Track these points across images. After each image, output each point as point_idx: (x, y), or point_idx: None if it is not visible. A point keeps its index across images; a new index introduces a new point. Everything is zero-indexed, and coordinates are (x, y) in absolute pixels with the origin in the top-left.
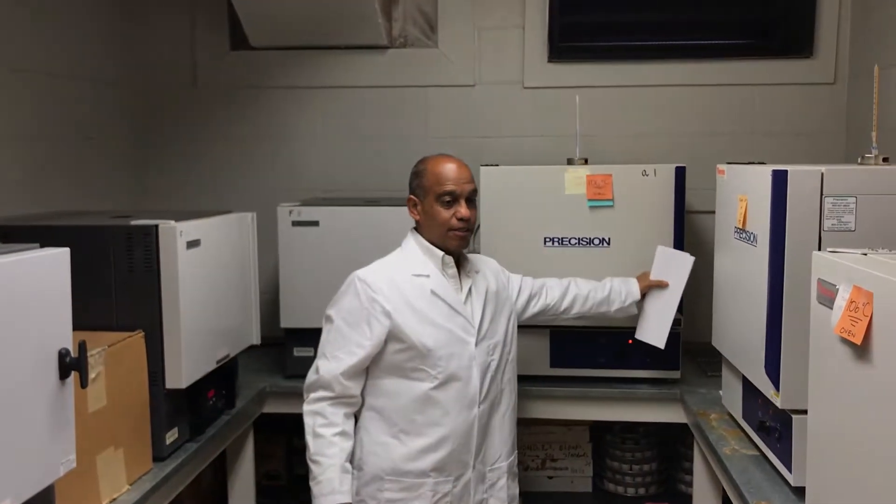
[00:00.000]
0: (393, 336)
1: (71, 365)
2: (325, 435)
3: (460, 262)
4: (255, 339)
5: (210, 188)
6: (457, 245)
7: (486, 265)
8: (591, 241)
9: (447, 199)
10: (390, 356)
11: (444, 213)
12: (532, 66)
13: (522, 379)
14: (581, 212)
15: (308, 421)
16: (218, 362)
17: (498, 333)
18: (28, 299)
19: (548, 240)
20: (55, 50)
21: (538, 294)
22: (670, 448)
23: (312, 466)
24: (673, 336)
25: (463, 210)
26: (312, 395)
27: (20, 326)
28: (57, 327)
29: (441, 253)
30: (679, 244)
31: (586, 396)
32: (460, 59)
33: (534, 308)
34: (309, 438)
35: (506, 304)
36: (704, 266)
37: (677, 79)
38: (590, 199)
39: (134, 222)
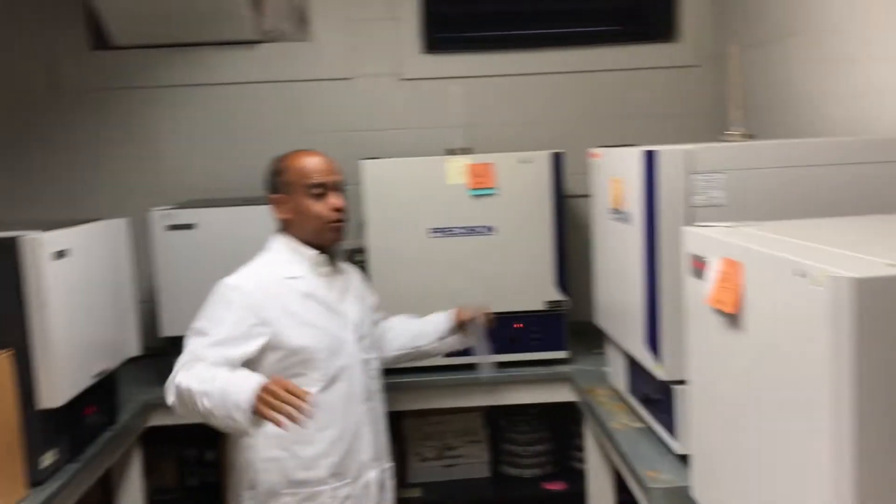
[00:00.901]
0: (272, 346)
1: None
2: (204, 374)
3: (331, 261)
4: (135, 350)
5: (78, 196)
6: (334, 238)
7: (351, 268)
8: (475, 230)
9: (318, 190)
10: (271, 366)
11: (318, 206)
12: (408, 58)
13: (416, 370)
14: (464, 201)
15: (180, 387)
16: (95, 377)
17: (373, 333)
18: None
19: (433, 230)
20: None
21: (383, 319)
22: (563, 427)
23: (207, 401)
24: (558, 317)
25: (336, 200)
26: (176, 370)
27: None
28: None
29: (312, 252)
30: (560, 228)
31: (479, 382)
32: (335, 52)
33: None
34: (192, 393)
35: (370, 309)
36: (585, 248)
37: (552, 66)
38: (472, 188)
39: None
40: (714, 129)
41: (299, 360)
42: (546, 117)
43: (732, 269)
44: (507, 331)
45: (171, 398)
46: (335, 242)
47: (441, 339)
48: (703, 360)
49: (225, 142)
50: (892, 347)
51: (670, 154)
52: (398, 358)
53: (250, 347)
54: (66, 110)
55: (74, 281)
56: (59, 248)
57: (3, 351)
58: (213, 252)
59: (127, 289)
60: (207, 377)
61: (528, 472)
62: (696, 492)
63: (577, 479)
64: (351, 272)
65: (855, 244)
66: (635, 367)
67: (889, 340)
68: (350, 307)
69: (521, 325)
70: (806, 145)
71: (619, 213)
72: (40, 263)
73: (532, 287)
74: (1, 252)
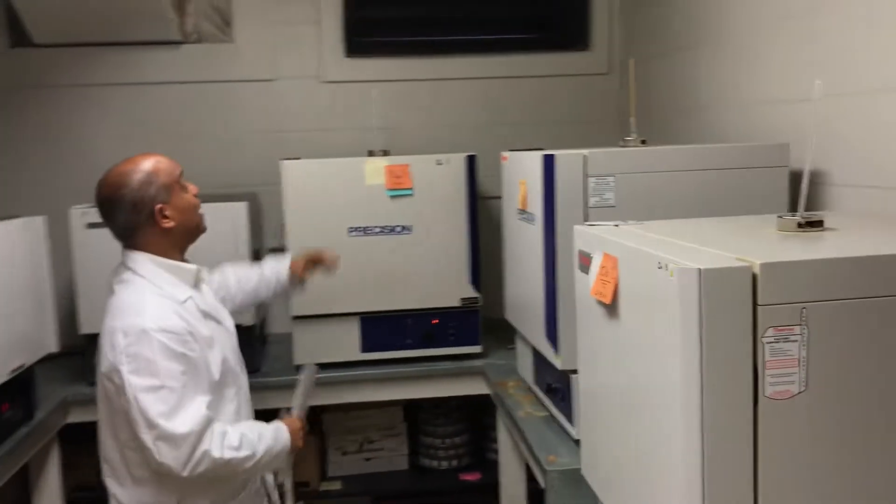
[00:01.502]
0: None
1: None
2: (233, 440)
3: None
4: (54, 347)
5: None
6: (201, 232)
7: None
8: (393, 229)
9: (181, 183)
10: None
11: (189, 196)
12: (330, 61)
13: (335, 366)
14: (383, 201)
15: (218, 461)
16: (11, 373)
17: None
18: None
19: (352, 229)
20: None
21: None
22: (478, 419)
23: (251, 463)
24: (472, 313)
25: (191, 185)
26: (194, 452)
27: None
28: None
29: (195, 267)
30: (473, 227)
31: (397, 377)
32: (257, 53)
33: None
34: (233, 463)
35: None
36: (499, 247)
37: (468, 72)
38: (389, 189)
39: None
40: (621, 134)
41: (219, 384)
42: (463, 121)
43: (610, 263)
44: (424, 326)
45: (196, 470)
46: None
47: (280, 285)
48: (588, 349)
49: (149, 140)
50: (731, 328)
51: (567, 158)
52: (236, 308)
53: (208, 376)
54: None
55: None
56: None
57: None
58: None
59: (45, 286)
60: (237, 442)
61: (445, 464)
62: (585, 472)
63: (492, 469)
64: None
65: (714, 241)
66: (539, 359)
67: (728, 323)
68: (224, 313)
69: (437, 321)
70: (689, 151)
71: (524, 214)
72: None
73: (447, 284)
74: None
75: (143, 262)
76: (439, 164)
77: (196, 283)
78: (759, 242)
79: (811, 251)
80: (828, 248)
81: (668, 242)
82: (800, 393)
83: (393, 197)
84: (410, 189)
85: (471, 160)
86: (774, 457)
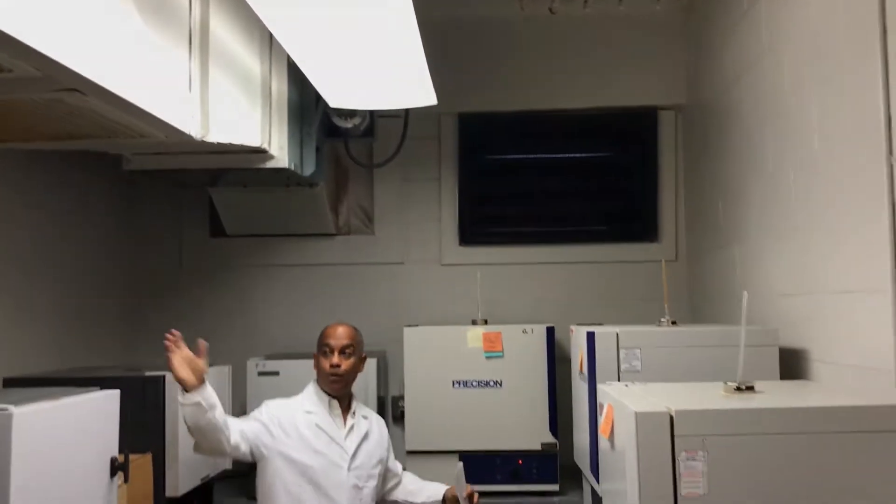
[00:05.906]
0: (282, 455)
1: (118, 467)
2: None
3: (349, 407)
4: (228, 465)
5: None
6: (333, 388)
7: (375, 418)
8: (487, 383)
9: (326, 349)
10: (280, 470)
11: (323, 361)
12: (447, 249)
13: None
14: (479, 360)
15: None
16: (202, 480)
17: (368, 466)
18: (92, 422)
19: (455, 382)
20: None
21: (391, 470)
22: None
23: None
24: (551, 456)
25: (334, 359)
26: None
27: (89, 441)
28: (110, 443)
29: (328, 398)
30: (552, 384)
31: None
32: (392, 243)
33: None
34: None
35: (378, 451)
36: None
37: (555, 258)
38: (485, 352)
39: (147, 373)
40: (689, 311)
41: (300, 471)
42: (549, 297)
43: (610, 410)
44: (511, 465)
45: None
46: (335, 391)
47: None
48: (605, 470)
49: (306, 308)
50: (658, 450)
51: (604, 334)
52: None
53: (251, 431)
54: (187, 283)
55: None
56: None
57: (146, 454)
58: (291, 394)
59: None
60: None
61: None
62: None
63: None
64: (372, 419)
65: (675, 398)
66: (594, 492)
67: (656, 448)
68: (351, 443)
69: (521, 462)
70: (697, 331)
71: (581, 375)
72: (175, 395)
73: (530, 431)
74: (153, 384)
75: (308, 385)
76: (525, 332)
77: (331, 410)
78: (703, 399)
79: (720, 404)
80: (736, 402)
81: (643, 398)
82: (703, 495)
83: (488, 358)
84: (501, 352)
85: (550, 331)
86: None
